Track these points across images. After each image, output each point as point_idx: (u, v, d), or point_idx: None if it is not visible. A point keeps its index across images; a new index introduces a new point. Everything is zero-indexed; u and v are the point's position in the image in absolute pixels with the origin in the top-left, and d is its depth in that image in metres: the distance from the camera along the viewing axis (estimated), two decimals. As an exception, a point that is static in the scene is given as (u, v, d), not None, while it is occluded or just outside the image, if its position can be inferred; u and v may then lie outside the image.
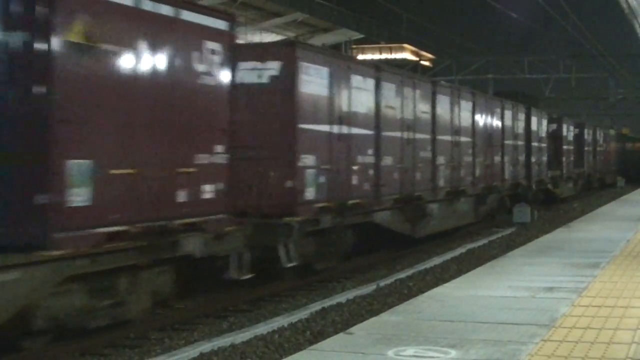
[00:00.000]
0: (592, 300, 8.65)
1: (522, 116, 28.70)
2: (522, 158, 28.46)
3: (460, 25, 48.69)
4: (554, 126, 35.73)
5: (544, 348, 6.53)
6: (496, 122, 25.28)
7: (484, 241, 20.19)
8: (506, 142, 26.28)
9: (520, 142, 28.36)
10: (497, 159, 25.22)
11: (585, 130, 41.88)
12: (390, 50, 49.38)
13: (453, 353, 6.41)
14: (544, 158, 32.36)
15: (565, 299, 8.75)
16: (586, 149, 41.51)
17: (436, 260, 16.76)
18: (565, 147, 36.47)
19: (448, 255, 17.56)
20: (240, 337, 9.77)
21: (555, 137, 35.39)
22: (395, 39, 46.21)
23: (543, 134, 32.44)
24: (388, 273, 15.21)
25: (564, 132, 36.75)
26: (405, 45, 49.63)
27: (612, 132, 55.00)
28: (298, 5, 31.50)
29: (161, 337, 10.05)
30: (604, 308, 8.22)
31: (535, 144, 30.38)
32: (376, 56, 46.81)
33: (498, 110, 25.51)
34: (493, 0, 30.35)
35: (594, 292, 9.17)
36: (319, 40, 34.21)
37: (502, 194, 25.76)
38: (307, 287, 13.54)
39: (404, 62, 45.31)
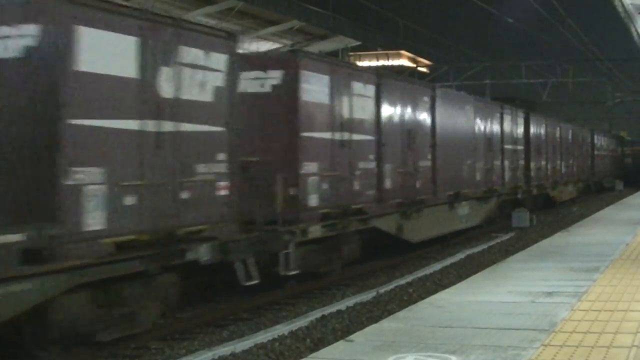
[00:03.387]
0: (591, 305, 8.66)
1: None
2: (370, 165, 15.43)
3: (457, 31, 48.78)
4: None
5: (544, 353, 6.54)
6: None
7: (483, 246, 20.20)
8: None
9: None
10: None
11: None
12: (388, 57, 49.43)
13: (453, 359, 6.41)
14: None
15: (565, 303, 8.76)
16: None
17: (436, 267, 16.78)
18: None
19: (448, 261, 17.57)
20: (240, 345, 9.77)
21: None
22: (392, 45, 46.25)
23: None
24: (388, 280, 15.22)
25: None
26: (402, 52, 49.69)
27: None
28: (295, 13, 31.56)
29: (161, 346, 10.04)
30: (604, 312, 8.23)
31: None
32: (373, 63, 46.87)
33: None
34: (490, 5, 30.39)
35: (593, 296, 9.17)
36: (315, 47, 34.26)
37: None
38: (307, 295, 13.53)
39: (401, 69, 45.36)
